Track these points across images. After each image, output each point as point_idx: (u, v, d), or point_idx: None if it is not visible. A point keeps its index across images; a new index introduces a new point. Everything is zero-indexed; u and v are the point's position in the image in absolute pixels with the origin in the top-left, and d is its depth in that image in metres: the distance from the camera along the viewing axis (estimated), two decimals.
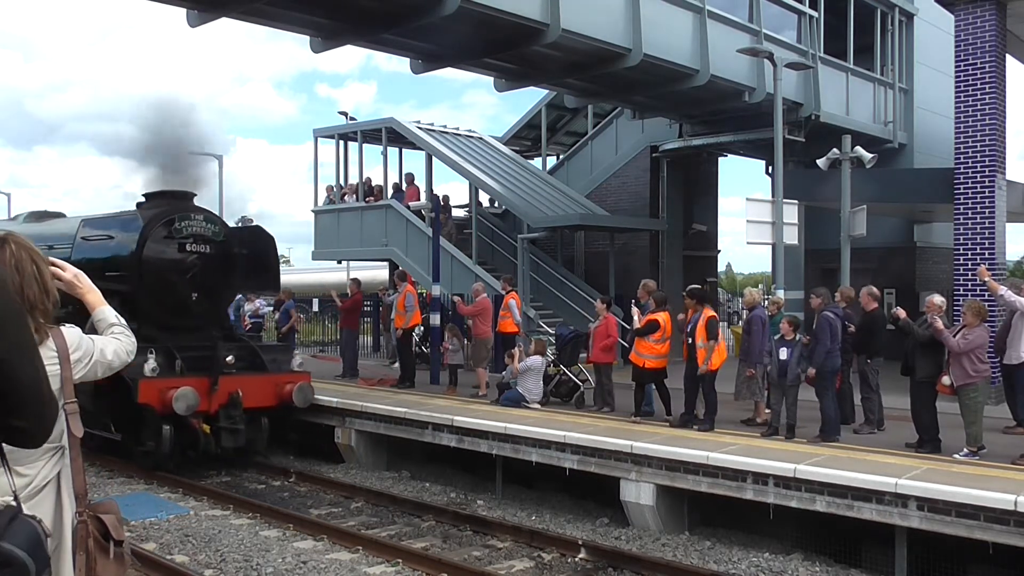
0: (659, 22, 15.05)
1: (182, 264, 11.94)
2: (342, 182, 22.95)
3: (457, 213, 23.20)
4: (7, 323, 2.11)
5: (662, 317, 11.06)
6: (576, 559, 8.25)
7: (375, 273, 31.74)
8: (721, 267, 45.00)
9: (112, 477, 11.65)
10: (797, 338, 9.92)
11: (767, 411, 10.73)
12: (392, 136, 21.87)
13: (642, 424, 10.78)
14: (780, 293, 12.83)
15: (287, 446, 13.34)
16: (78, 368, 2.65)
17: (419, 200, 20.44)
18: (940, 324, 8.83)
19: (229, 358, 11.65)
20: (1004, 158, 13.52)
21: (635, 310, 11.58)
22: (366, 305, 20.76)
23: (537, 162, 25.20)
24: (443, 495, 10.91)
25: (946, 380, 8.86)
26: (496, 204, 23.05)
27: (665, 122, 20.76)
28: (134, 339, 2.94)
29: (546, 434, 10.12)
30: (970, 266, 12.71)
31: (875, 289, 10.91)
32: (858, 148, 13.95)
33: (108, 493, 10.63)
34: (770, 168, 15.96)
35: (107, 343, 2.81)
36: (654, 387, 11.42)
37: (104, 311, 2.93)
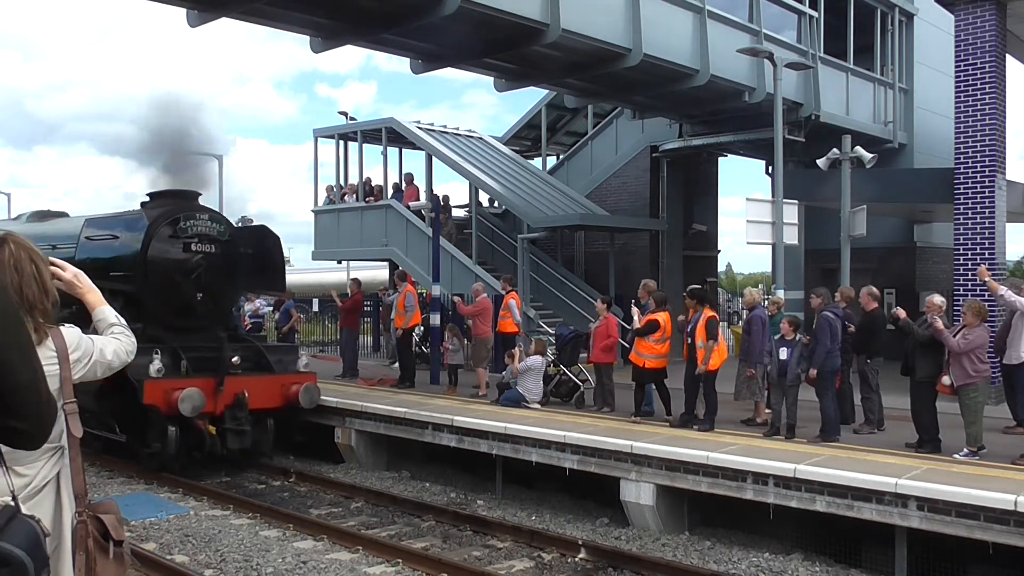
0: (659, 22, 15.05)
1: (187, 264, 11.80)
2: (342, 182, 22.95)
3: (457, 213, 23.20)
4: (4, 324, 2.11)
5: (662, 317, 11.06)
6: (576, 559, 8.25)
7: (375, 273, 31.74)
8: (721, 267, 45.01)
9: (112, 477, 11.64)
10: (797, 338, 9.92)
11: (767, 411, 10.74)
12: (392, 136, 21.87)
13: (642, 424, 10.78)
14: (780, 293, 12.83)
15: (288, 446, 13.31)
16: (77, 368, 2.65)
17: (418, 200, 20.44)
18: (940, 324, 8.83)
19: (235, 359, 11.55)
20: (1004, 158, 13.52)
21: (635, 310, 11.58)
22: (366, 305, 20.75)
23: (537, 162, 25.21)
24: (443, 495, 10.91)
25: (946, 380, 8.86)
26: (496, 204, 23.05)
27: (665, 122, 20.76)
28: (134, 339, 2.94)
29: (546, 434, 10.12)
30: (970, 266, 12.70)
31: (875, 289, 10.92)
32: (858, 148, 13.96)
33: (108, 493, 10.62)
34: (770, 168, 15.96)
35: (107, 343, 2.81)
36: (654, 387, 11.42)
37: (104, 311, 2.93)
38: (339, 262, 33.74)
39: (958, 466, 8.26)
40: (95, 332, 2.86)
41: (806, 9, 18.25)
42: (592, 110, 23.11)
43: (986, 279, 10.26)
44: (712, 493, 8.70)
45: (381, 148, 21.89)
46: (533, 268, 19.41)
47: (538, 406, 12.14)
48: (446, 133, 23.14)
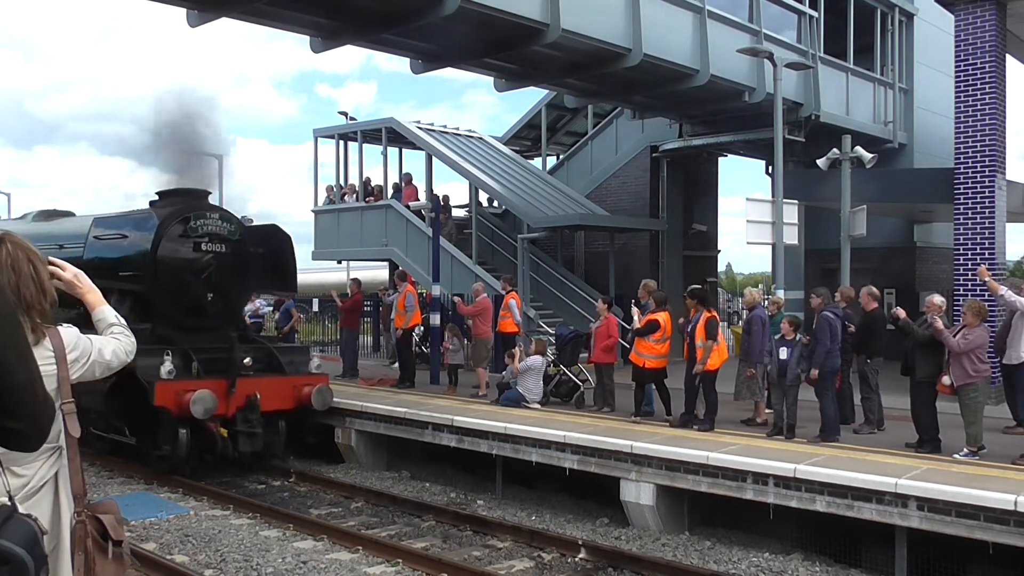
0: (659, 22, 15.05)
1: (198, 263, 11.63)
2: (342, 182, 22.94)
3: (457, 213, 23.20)
4: (0, 324, 2.10)
5: (662, 317, 11.06)
6: (576, 559, 8.25)
7: (375, 273, 31.72)
8: (721, 267, 44.94)
9: (112, 477, 11.62)
10: (797, 338, 9.92)
11: (767, 411, 10.74)
12: (392, 136, 21.87)
13: (642, 424, 10.78)
14: (780, 293, 12.83)
15: (288, 446, 13.29)
16: (75, 368, 2.64)
17: (417, 200, 20.44)
18: (940, 324, 8.83)
19: (247, 360, 11.40)
20: (1004, 158, 13.52)
21: (635, 310, 11.58)
22: (366, 305, 20.75)
23: (537, 162, 25.21)
24: (443, 495, 10.90)
25: (946, 380, 8.86)
26: (496, 204, 23.05)
27: (665, 122, 20.76)
28: (134, 339, 2.94)
29: (546, 434, 10.12)
30: (970, 266, 12.70)
31: (875, 289, 10.91)
32: (858, 148, 13.95)
33: (108, 493, 10.61)
34: (770, 168, 15.96)
35: (106, 343, 2.81)
36: (654, 387, 11.42)
37: (104, 311, 2.93)
38: (339, 262, 33.69)
39: (958, 466, 8.25)
40: (95, 332, 2.86)
41: (806, 9, 18.25)
42: (592, 110, 23.11)
43: (986, 279, 10.26)
44: (712, 493, 8.69)
45: (381, 148, 21.89)
46: (533, 268, 19.41)
47: (538, 406, 12.14)
48: (446, 133, 23.14)
